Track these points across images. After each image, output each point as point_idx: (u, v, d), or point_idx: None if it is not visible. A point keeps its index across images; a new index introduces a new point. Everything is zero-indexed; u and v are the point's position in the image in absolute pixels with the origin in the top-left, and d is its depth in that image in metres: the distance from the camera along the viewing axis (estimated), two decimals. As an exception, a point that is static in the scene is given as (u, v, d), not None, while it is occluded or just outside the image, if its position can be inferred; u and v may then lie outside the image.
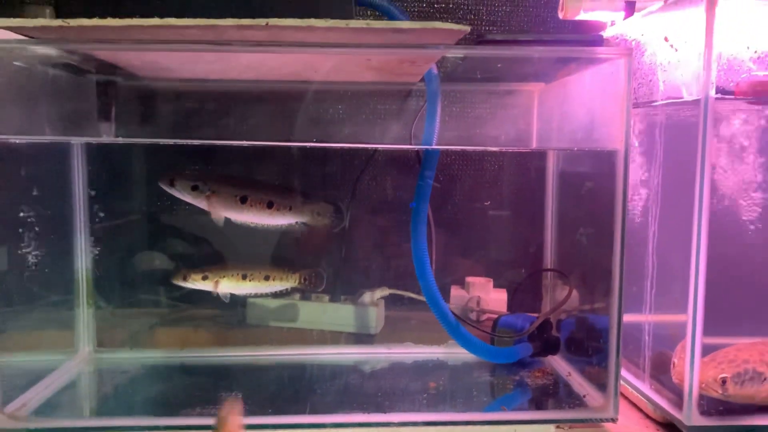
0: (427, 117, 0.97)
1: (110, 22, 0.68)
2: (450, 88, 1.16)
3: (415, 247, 0.98)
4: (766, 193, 0.91)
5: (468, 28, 0.70)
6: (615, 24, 1.03)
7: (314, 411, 0.85)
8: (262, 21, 0.67)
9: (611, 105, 0.84)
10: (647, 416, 0.89)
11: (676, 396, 0.84)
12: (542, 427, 0.84)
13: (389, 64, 0.90)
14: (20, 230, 0.93)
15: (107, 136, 1.03)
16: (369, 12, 1.18)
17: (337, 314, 1.14)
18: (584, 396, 0.91)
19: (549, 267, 1.15)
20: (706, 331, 0.80)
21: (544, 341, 1.05)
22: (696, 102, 0.78)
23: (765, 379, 0.81)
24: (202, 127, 1.11)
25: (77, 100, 1.02)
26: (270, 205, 1.03)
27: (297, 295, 1.14)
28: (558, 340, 1.05)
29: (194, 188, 0.99)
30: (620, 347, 0.83)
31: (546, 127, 1.13)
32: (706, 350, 0.83)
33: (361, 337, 1.14)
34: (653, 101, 0.90)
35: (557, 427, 0.84)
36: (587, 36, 0.96)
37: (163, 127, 1.10)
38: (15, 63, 0.85)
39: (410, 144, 1.12)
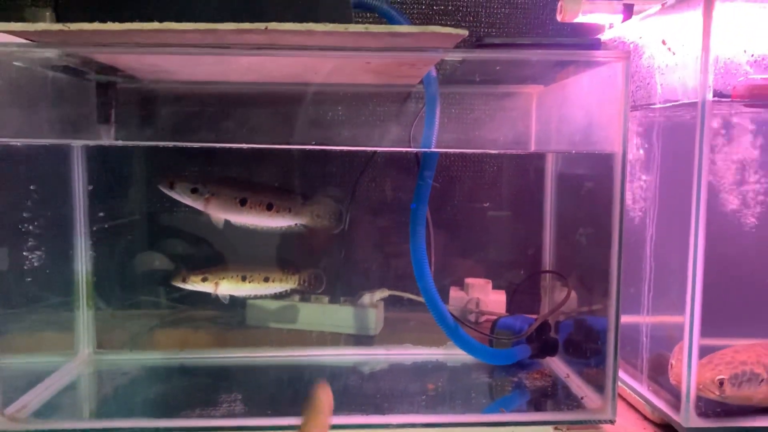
0: (426, 119, 0.97)
1: (110, 26, 0.68)
2: (449, 90, 1.16)
3: (414, 248, 0.98)
4: (763, 195, 0.91)
5: (466, 32, 0.70)
6: (613, 27, 1.03)
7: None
8: (261, 25, 0.68)
9: (609, 108, 0.84)
10: (645, 418, 0.90)
11: (674, 397, 0.85)
12: (540, 428, 0.84)
13: (388, 67, 0.91)
14: (20, 232, 0.93)
15: (107, 138, 1.03)
16: (369, 15, 1.18)
17: (337, 315, 1.14)
18: (582, 398, 0.92)
19: (547, 268, 1.15)
20: (704, 333, 0.80)
21: (543, 343, 1.05)
22: (693, 105, 0.78)
23: (762, 380, 0.82)
24: (202, 130, 1.11)
25: (77, 103, 1.02)
26: (270, 207, 1.03)
27: (297, 297, 1.14)
28: (556, 341, 1.06)
29: (194, 191, 0.99)
30: (618, 349, 0.84)
31: (544, 130, 1.13)
32: (704, 352, 0.83)
33: (360, 339, 1.14)
34: (651, 104, 0.90)
35: (555, 428, 0.84)
36: (585, 39, 0.96)
37: (163, 130, 1.10)
38: (15, 63, 0.85)
39: (409, 145, 1.12)
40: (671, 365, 0.84)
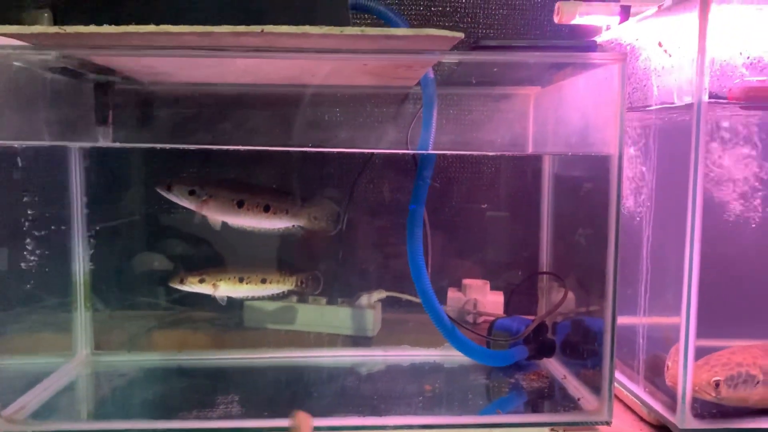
0: (424, 120, 0.97)
1: (107, 29, 0.68)
2: (447, 92, 1.17)
3: (411, 249, 0.98)
4: (760, 197, 0.91)
5: (461, 35, 0.70)
6: (610, 28, 1.04)
7: (310, 414, 0.85)
8: (257, 28, 0.68)
9: (606, 110, 0.84)
10: (642, 419, 0.90)
11: (670, 399, 0.85)
12: (537, 430, 0.85)
13: (385, 69, 0.91)
14: (18, 233, 0.93)
15: (104, 139, 1.03)
16: (367, 16, 1.18)
17: (335, 317, 1.15)
18: (579, 399, 0.92)
19: (544, 269, 1.15)
20: (700, 334, 0.80)
21: (540, 344, 1.05)
22: (689, 107, 0.78)
23: (758, 382, 0.82)
24: (200, 131, 1.11)
25: (74, 104, 1.02)
26: (267, 209, 1.03)
27: (294, 298, 1.14)
28: (553, 342, 1.06)
29: (191, 193, 0.99)
30: (614, 351, 0.84)
31: (542, 131, 1.13)
32: (701, 353, 0.83)
33: (358, 340, 1.14)
34: (648, 106, 0.90)
35: (552, 430, 0.84)
36: (581, 42, 0.96)
37: (161, 131, 1.10)
38: (15, 63, 0.85)
39: (407, 147, 1.13)
40: (667, 366, 0.85)
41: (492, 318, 1.11)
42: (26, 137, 0.90)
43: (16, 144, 0.88)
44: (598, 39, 1.05)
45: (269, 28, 0.68)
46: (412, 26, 1.19)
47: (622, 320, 0.85)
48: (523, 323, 1.05)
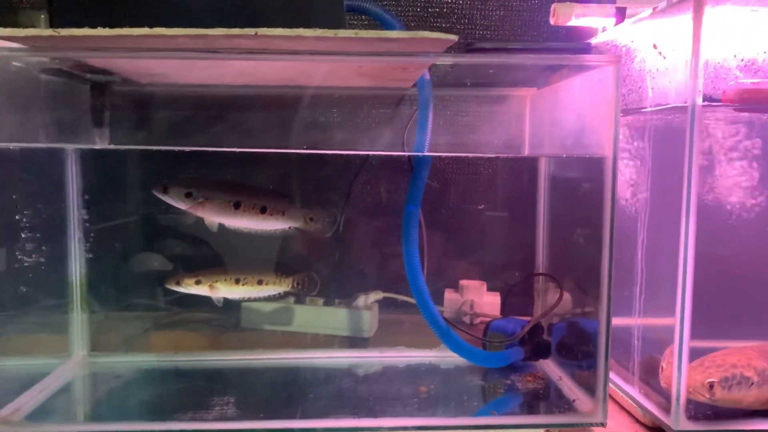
0: (419, 122, 0.97)
1: (101, 31, 0.68)
2: (442, 93, 1.17)
3: (407, 251, 0.98)
4: (754, 198, 0.91)
5: (455, 38, 0.70)
6: (606, 30, 1.04)
7: (305, 415, 0.86)
8: (251, 30, 0.68)
9: (600, 112, 0.84)
10: (637, 420, 0.90)
11: (665, 400, 0.85)
12: (532, 431, 0.85)
13: (381, 71, 0.91)
14: (14, 234, 0.93)
15: (101, 141, 1.03)
16: (363, 17, 1.19)
17: (331, 318, 1.15)
18: (574, 400, 0.92)
19: (540, 271, 1.16)
20: (695, 336, 0.80)
21: (536, 345, 1.05)
22: (683, 109, 0.78)
23: (752, 383, 0.82)
24: (196, 133, 1.12)
25: (71, 106, 1.02)
26: (263, 210, 1.03)
27: (291, 299, 1.15)
28: (549, 344, 1.06)
29: (188, 195, 0.99)
30: (609, 352, 0.84)
31: (538, 132, 1.14)
32: (695, 354, 0.83)
33: (354, 341, 1.14)
34: (642, 108, 0.90)
35: (547, 431, 0.84)
36: (576, 43, 0.96)
37: (158, 133, 1.10)
38: (14, 64, 0.85)
39: (403, 149, 1.13)
40: (662, 368, 0.85)
41: (489, 319, 1.11)
42: (22, 139, 0.90)
43: (11, 146, 0.88)
44: (594, 41, 1.06)
45: (263, 30, 0.68)
46: (408, 27, 1.19)
47: (617, 321, 0.85)
48: (518, 324, 1.05)
